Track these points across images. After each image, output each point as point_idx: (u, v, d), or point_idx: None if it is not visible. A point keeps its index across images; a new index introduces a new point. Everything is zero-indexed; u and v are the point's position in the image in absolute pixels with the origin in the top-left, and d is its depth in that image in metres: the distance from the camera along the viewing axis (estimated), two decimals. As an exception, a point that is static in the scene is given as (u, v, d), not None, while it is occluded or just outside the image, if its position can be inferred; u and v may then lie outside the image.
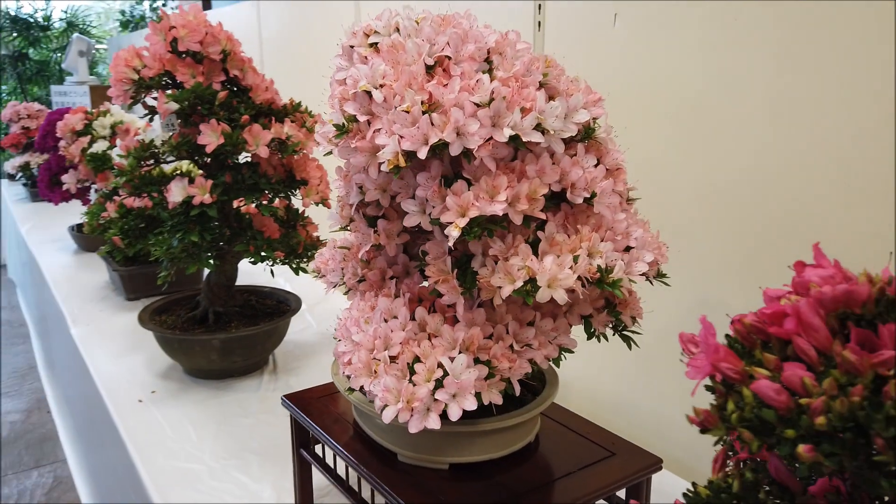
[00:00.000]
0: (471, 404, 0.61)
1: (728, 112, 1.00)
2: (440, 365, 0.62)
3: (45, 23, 6.21)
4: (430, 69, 0.63)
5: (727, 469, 0.40)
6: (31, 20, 6.12)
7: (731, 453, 0.42)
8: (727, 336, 0.37)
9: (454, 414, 0.61)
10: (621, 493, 0.85)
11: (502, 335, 0.67)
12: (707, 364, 0.34)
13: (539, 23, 1.30)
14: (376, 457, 0.83)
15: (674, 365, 1.15)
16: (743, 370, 0.33)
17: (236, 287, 1.52)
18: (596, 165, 0.67)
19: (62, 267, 2.32)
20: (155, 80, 1.28)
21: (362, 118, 0.62)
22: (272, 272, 1.41)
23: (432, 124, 0.59)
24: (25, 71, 6.18)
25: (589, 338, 0.75)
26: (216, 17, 2.40)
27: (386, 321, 0.68)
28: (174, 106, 1.24)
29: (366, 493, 0.86)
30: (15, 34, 6.00)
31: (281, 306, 1.56)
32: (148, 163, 1.35)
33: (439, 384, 0.62)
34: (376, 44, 0.66)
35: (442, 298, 0.65)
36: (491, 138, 0.61)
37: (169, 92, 1.25)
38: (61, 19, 6.28)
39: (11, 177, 3.98)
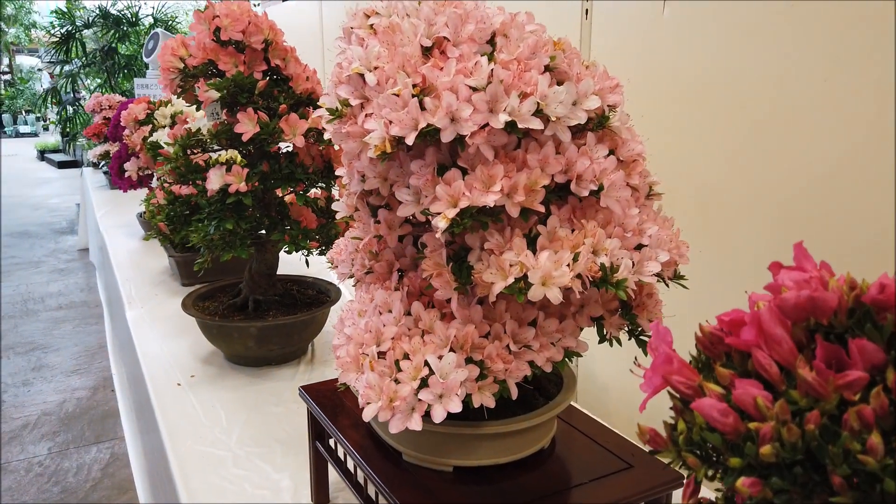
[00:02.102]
0: (455, 406, 0.58)
1: (780, 108, 0.93)
2: (427, 363, 0.59)
3: (134, 19, 6.49)
4: (428, 51, 0.60)
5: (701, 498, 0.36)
6: (121, 16, 6.41)
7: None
8: (696, 347, 0.32)
9: (438, 416, 0.58)
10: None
11: (499, 334, 0.63)
12: (658, 377, 0.29)
13: (587, 10, 1.25)
14: (381, 454, 0.81)
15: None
16: (698, 385, 0.28)
17: (279, 276, 1.53)
18: (608, 156, 0.62)
19: (128, 251, 2.40)
20: (199, 69, 1.30)
21: (355, 102, 0.60)
22: (307, 262, 1.41)
23: (423, 109, 0.56)
24: (114, 65, 6.48)
25: (601, 341, 0.70)
26: (281, 13, 2.44)
27: (381, 315, 0.65)
28: (215, 94, 1.25)
29: (371, 491, 0.84)
30: (105, 29, 6.30)
31: (321, 296, 1.56)
32: (195, 151, 1.37)
33: (424, 383, 0.59)
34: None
35: (436, 293, 0.62)
36: (487, 125, 0.57)
37: (210, 81, 1.26)
38: (148, 15, 6.55)
39: (95, 165, 4.18)
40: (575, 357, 0.69)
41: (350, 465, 0.90)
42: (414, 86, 0.57)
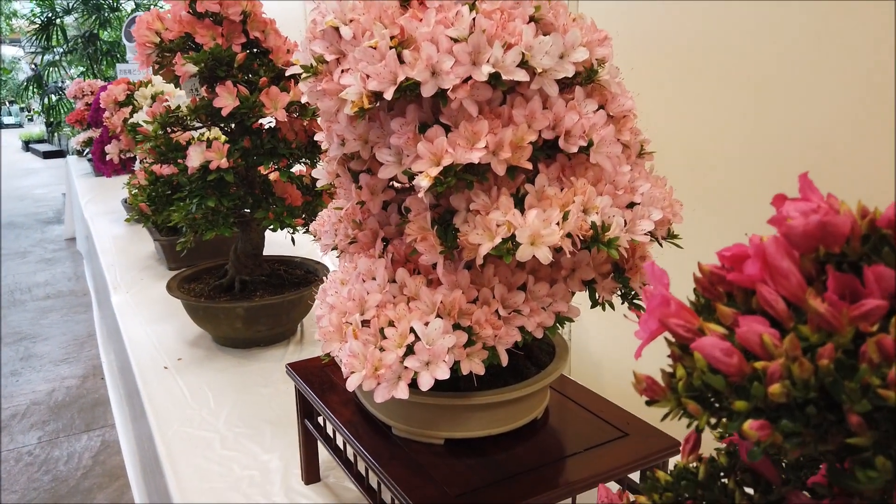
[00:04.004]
0: (443, 373, 0.56)
1: (772, 62, 0.90)
2: (413, 330, 0.57)
3: (115, 4, 6.39)
4: (406, 2, 0.57)
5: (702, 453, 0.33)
6: (102, 1, 6.31)
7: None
8: (694, 290, 0.30)
9: (424, 383, 0.56)
10: (635, 476, 0.78)
11: (488, 299, 0.61)
12: (654, 320, 0.27)
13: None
14: (371, 430, 0.79)
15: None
16: (698, 327, 0.26)
17: (266, 256, 1.51)
18: (597, 111, 0.59)
19: (112, 237, 2.37)
20: (176, 43, 1.26)
21: (330, 57, 0.57)
22: (293, 240, 1.38)
23: (402, 62, 0.53)
24: (96, 52, 6.38)
25: (593, 306, 0.67)
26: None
27: (364, 282, 0.63)
28: (192, 68, 1.21)
29: (362, 467, 0.82)
30: (86, 15, 6.20)
31: (309, 276, 1.53)
32: (174, 129, 1.34)
33: (410, 350, 0.56)
34: (352, -22, 0.60)
35: (421, 258, 0.60)
36: (470, 78, 0.54)
37: (187, 55, 1.23)
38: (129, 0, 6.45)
39: (79, 153, 4.11)
40: (567, 323, 0.67)
41: (340, 441, 0.88)
42: (392, 38, 0.54)
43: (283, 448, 1.07)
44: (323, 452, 0.97)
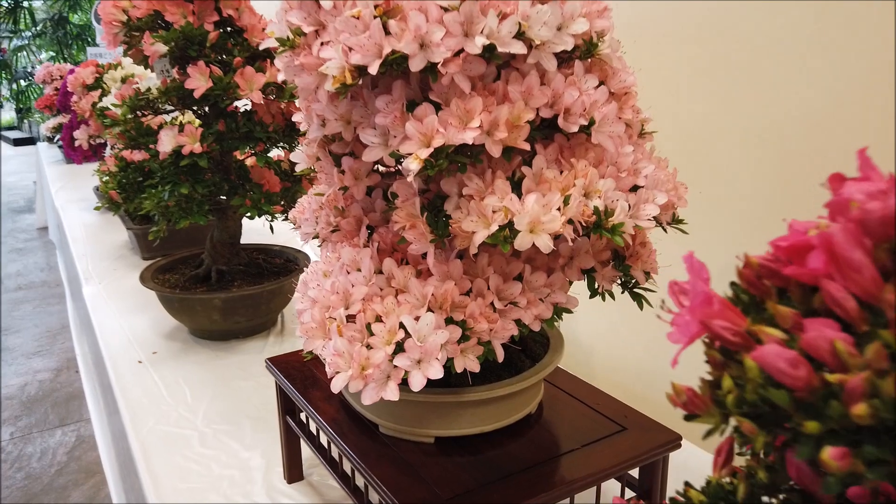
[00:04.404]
0: (436, 372, 0.51)
1: (771, 41, 0.86)
2: (402, 325, 0.52)
3: (85, -15, 6.21)
4: (391, -31, 0.52)
5: (736, 465, 0.30)
6: (71, -17, 6.13)
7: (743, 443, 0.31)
8: (733, 285, 0.26)
9: (416, 383, 0.51)
10: (634, 472, 0.75)
11: (482, 291, 0.56)
12: (695, 322, 0.23)
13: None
14: (357, 428, 0.75)
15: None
16: (747, 330, 0.22)
17: (243, 245, 1.45)
18: (598, 87, 0.55)
19: (84, 226, 2.29)
20: (144, 22, 1.19)
21: (309, 29, 0.52)
22: (271, 228, 1.33)
23: (388, 33, 0.48)
24: (66, 35, 6.22)
25: (592, 296, 0.64)
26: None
27: (349, 274, 0.58)
28: (162, 48, 1.15)
29: (347, 467, 0.78)
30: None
31: (289, 265, 1.48)
32: (145, 112, 1.27)
33: (400, 348, 0.52)
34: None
35: (410, 248, 0.55)
36: (462, 50, 0.49)
37: (156, 34, 1.16)
38: (99, -19, 6.27)
39: (50, 140, 4.00)
40: (564, 314, 0.63)
41: (323, 440, 0.83)
42: (376, 6, 0.49)
43: (265, 445, 1.02)
44: (306, 449, 0.92)
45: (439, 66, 0.49)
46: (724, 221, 0.93)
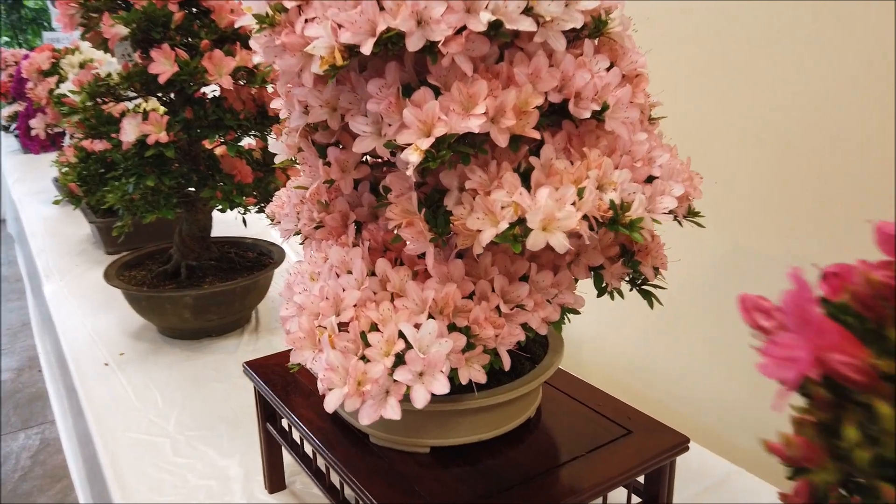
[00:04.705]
0: (441, 386, 0.47)
1: (772, 33, 0.83)
2: (402, 334, 0.47)
3: (39, -32, 5.98)
4: (382, -64, 0.47)
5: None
6: (24, -35, 5.90)
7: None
8: (826, 303, 0.22)
9: (420, 400, 0.46)
10: (640, 477, 0.71)
11: (486, 294, 0.52)
12: (806, 354, 0.18)
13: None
14: (345, 438, 0.69)
15: (699, 321, 1.01)
16: (871, 366, 0.18)
17: (214, 238, 1.38)
18: (609, 69, 0.50)
19: (43, 219, 2.19)
20: (103, 2, 1.11)
21: (291, 4, 0.46)
22: (244, 221, 1.26)
23: (381, 8, 0.43)
24: (21, 19, 5.98)
25: (600, 294, 0.59)
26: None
27: (339, 277, 0.53)
28: (122, 30, 1.08)
29: (335, 479, 0.73)
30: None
31: (263, 259, 1.42)
32: (105, 100, 1.19)
33: (400, 360, 0.47)
34: None
35: (407, 247, 0.50)
36: (464, 28, 0.44)
37: (116, 15, 1.08)
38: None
39: (6, 129, 3.83)
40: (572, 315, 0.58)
41: (308, 449, 0.78)
42: (368, -22, 0.43)
43: (243, 451, 0.97)
44: (288, 455, 0.87)
45: (439, 45, 0.43)
46: (722, 220, 0.90)
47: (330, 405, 0.47)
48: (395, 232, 0.51)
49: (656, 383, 1.07)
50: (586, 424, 0.72)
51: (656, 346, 1.08)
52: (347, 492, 0.70)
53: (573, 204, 0.45)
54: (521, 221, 0.44)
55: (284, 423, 0.82)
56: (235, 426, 1.03)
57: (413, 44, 0.43)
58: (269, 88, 1.18)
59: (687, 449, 0.69)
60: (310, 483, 0.89)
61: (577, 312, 0.57)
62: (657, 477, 0.70)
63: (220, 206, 1.15)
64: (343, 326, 0.50)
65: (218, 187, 1.15)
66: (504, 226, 0.44)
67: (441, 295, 0.50)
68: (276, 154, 1.28)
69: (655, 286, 0.61)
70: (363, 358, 0.47)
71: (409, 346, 0.47)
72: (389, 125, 0.47)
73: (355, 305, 0.50)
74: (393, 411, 0.47)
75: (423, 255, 0.52)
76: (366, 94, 0.49)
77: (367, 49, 0.42)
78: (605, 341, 1.14)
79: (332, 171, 0.55)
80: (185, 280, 1.29)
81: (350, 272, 0.53)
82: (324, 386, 0.48)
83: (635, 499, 0.71)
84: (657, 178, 0.51)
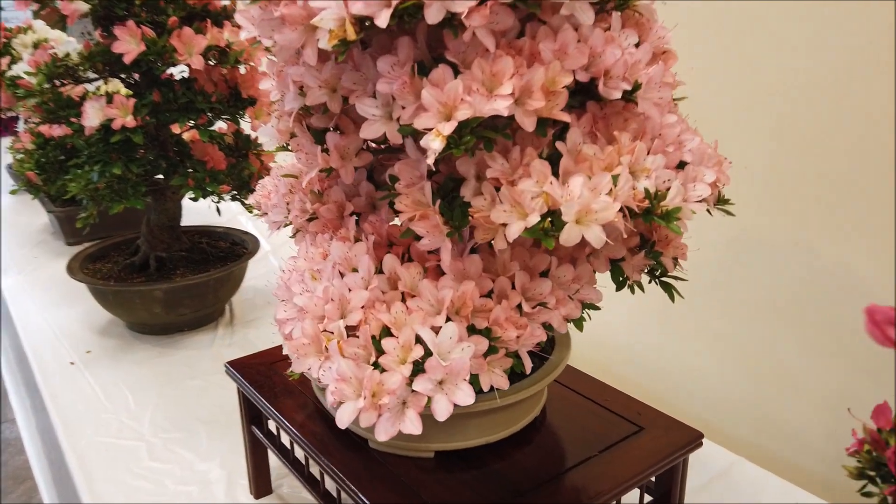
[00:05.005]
0: (465, 396, 0.42)
1: (784, 22, 0.80)
2: (419, 339, 0.43)
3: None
4: None
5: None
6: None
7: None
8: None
9: (442, 412, 0.42)
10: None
11: (506, 291, 0.47)
12: None
13: None
14: (342, 443, 0.65)
15: (705, 310, 0.98)
16: None
17: (184, 228, 1.31)
18: (638, 45, 0.46)
19: (-3, 209, 2.08)
20: (60, -24, 1.03)
21: (291, -29, 0.41)
22: (218, 209, 1.20)
23: (398, -26, 0.38)
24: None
25: (619, 288, 0.56)
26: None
27: (342, 276, 0.48)
28: (83, 6, 1.00)
29: (330, 485, 0.68)
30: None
31: (236, 249, 1.36)
32: (64, 81, 1.11)
33: (419, 368, 0.43)
34: None
35: (420, 242, 0.46)
36: (488, -2, 0.40)
37: (75, -12, 1.00)
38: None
39: (-49, 112, 3.64)
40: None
41: (299, 454, 0.74)
42: (382, -59, 0.38)
43: (224, 453, 0.92)
44: (273, 457, 0.82)
45: (463, 16, 0.39)
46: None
47: (343, 420, 0.43)
48: (407, 226, 0.46)
49: (649, 373, 1.05)
50: (595, 422, 0.69)
51: (649, 336, 1.05)
52: (344, 498, 0.66)
53: (609, 192, 0.41)
54: (553, 214, 0.40)
55: (271, 425, 0.78)
56: (214, 427, 0.97)
57: (432, 15, 0.39)
58: (242, 69, 1.12)
59: (701, 444, 0.66)
60: (298, 486, 0.85)
61: (598, 308, 0.54)
62: (669, 474, 0.67)
63: (192, 195, 1.09)
64: (351, 331, 0.45)
65: (189, 174, 1.08)
66: (535, 219, 0.40)
67: (458, 294, 0.45)
68: (250, 139, 1.22)
69: (676, 278, 0.57)
70: (376, 366, 0.43)
71: (427, 352, 0.43)
72: (403, 107, 0.42)
73: (363, 307, 0.46)
74: (413, 425, 0.42)
75: (434, 251, 0.47)
76: (374, 74, 0.44)
77: (382, 21, 0.37)
78: (606, 329, 1.12)
79: (332, 158, 0.50)
80: (154, 272, 1.23)
81: (355, 270, 0.48)
82: (333, 398, 0.43)
83: (647, 497, 0.69)
84: (688, 163, 0.47)
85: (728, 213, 0.52)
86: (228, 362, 0.80)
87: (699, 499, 0.82)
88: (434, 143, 0.38)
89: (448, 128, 0.39)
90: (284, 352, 0.49)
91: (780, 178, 0.83)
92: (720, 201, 0.52)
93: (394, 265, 0.48)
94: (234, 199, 1.17)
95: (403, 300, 0.46)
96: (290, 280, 0.51)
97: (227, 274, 1.23)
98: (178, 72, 1.12)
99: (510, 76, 0.41)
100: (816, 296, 0.85)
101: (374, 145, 0.55)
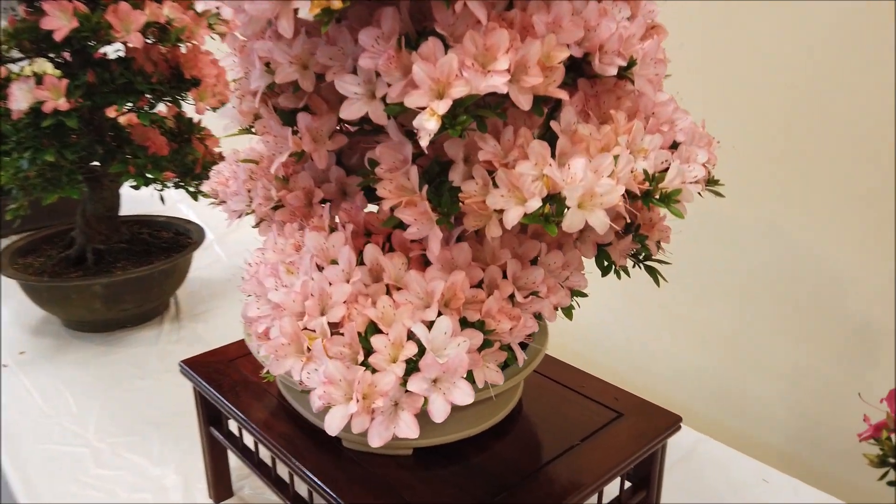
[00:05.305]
0: (464, 395, 0.40)
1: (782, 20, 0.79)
2: (411, 335, 0.40)
3: None
4: None
5: None
6: None
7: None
8: None
9: (439, 412, 0.39)
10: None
11: (496, 281, 0.45)
12: None
13: None
14: (313, 443, 0.61)
15: (680, 293, 0.98)
16: None
17: (121, 218, 1.24)
18: (631, 19, 0.44)
19: None
20: (-23, -55, 0.94)
21: (263, -68, 0.37)
22: (162, 198, 1.13)
23: (386, -63, 0.35)
24: None
25: (604, 273, 0.54)
26: None
27: (320, 269, 0.45)
28: (5, -22, 0.91)
29: (301, 487, 0.65)
30: None
31: (180, 239, 1.29)
32: (-15, 62, 1.02)
33: (413, 366, 0.40)
34: None
35: (407, 231, 0.42)
36: (481, -35, 0.36)
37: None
38: None
39: None
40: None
41: (265, 455, 0.70)
42: None
43: (179, 456, 0.87)
44: (234, 458, 0.78)
45: (455, -15, 0.36)
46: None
47: (333, 427, 0.39)
48: (389, 213, 0.43)
49: (607, 352, 1.05)
50: (573, 409, 0.67)
51: (616, 318, 1.05)
52: (317, 499, 0.62)
53: (610, 175, 0.38)
54: (554, 198, 0.38)
55: (232, 425, 0.73)
56: (165, 428, 0.92)
57: (422, -17, 0.35)
58: (184, 48, 1.05)
59: (679, 428, 0.66)
60: (261, 487, 0.81)
61: (585, 295, 0.52)
62: (649, 459, 0.66)
63: (133, 183, 1.02)
64: (334, 328, 0.42)
65: (129, 161, 1.01)
66: (535, 204, 0.37)
67: (448, 285, 0.42)
68: (193, 122, 1.15)
69: (659, 261, 0.56)
70: (366, 365, 0.39)
71: (421, 348, 0.40)
72: (388, 84, 0.38)
73: (346, 302, 0.42)
74: (409, 429, 0.39)
75: (418, 241, 0.44)
76: (353, 48, 0.40)
77: (370, -12, 0.34)
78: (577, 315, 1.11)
79: (304, 141, 0.46)
80: (92, 266, 1.15)
81: (334, 262, 0.45)
82: (320, 402, 0.40)
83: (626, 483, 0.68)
84: (681, 143, 0.46)
85: (718, 193, 0.50)
86: (183, 361, 0.75)
87: (668, 479, 0.82)
88: (429, 124, 0.35)
89: (443, 107, 0.35)
90: (262, 353, 0.45)
91: (747, 160, 0.83)
92: (710, 182, 0.50)
93: (376, 256, 0.44)
94: (177, 186, 1.10)
95: (388, 293, 0.43)
96: (261, 274, 0.47)
97: (171, 266, 1.16)
98: (114, 51, 1.05)
99: (505, 50, 0.38)
100: (782, 277, 0.86)
101: (346, 127, 0.52)
